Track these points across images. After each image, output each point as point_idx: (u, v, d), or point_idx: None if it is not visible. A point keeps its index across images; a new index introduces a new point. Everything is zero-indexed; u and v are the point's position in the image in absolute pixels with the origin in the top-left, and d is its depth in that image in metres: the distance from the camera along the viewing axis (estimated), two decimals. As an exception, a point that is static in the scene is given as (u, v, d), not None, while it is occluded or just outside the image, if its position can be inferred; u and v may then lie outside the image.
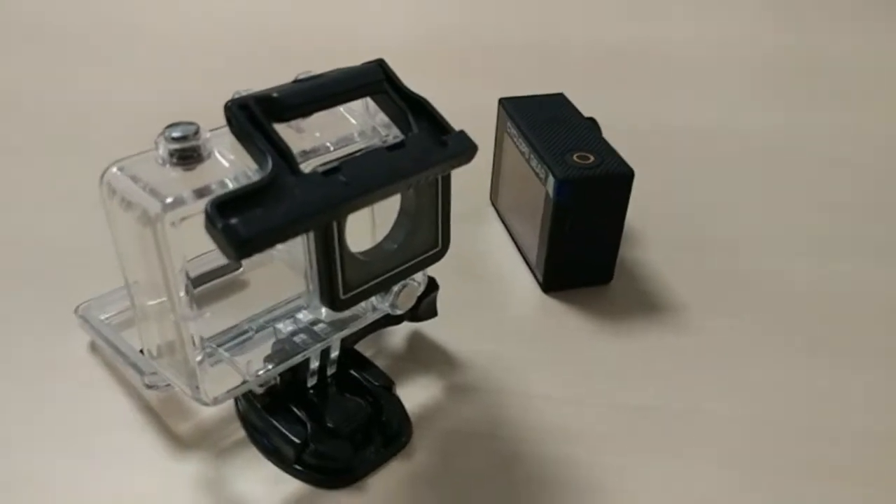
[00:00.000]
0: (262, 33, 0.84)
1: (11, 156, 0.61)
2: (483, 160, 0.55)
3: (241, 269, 0.46)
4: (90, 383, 0.41)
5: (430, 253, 0.36)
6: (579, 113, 0.50)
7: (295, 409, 0.37)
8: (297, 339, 0.36)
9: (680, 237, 0.53)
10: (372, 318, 0.38)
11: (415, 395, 0.40)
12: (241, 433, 0.38)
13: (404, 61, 0.75)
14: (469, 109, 0.60)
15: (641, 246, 0.52)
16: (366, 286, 0.34)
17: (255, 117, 0.29)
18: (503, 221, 0.53)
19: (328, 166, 0.29)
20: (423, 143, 0.31)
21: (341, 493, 0.36)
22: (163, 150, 0.30)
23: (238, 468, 0.37)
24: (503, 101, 0.51)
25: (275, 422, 0.36)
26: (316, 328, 0.37)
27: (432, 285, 0.41)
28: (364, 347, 0.43)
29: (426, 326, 0.44)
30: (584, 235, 0.45)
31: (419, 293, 0.38)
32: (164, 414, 0.39)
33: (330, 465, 0.36)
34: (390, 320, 0.41)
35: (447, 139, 0.32)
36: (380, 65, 0.32)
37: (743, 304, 0.48)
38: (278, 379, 0.37)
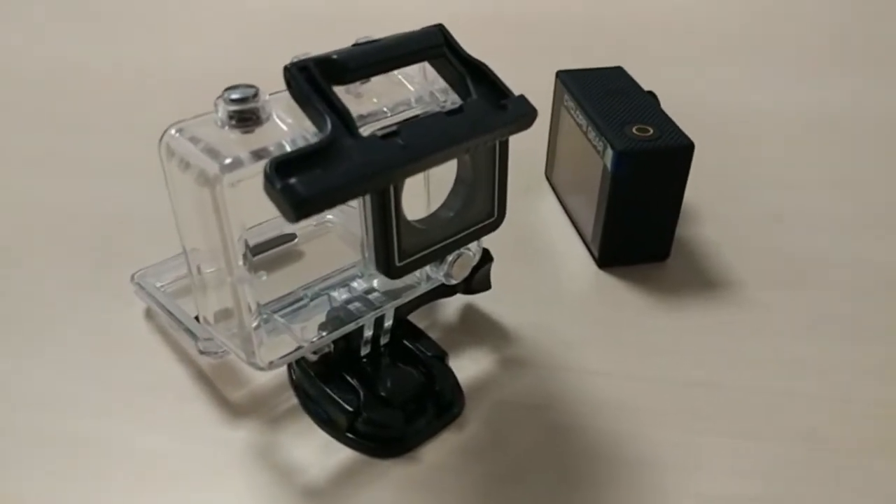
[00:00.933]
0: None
1: (71, 125, 0.62)
2: (538, 134, 0.55)
3: (297, 240, 0.46)
4: (145, 349, 0.41)
5: (486, 222, 0.35)
6: (638, 86, 0.48)
7: (348, 378, 0.37)
8: (351, 307, 0.36)
9: (737, 214, 0.52)
10: (426, 287, 0.37)
11: (468, 367, 0.40)
12: (294, 401, 0.38)
13: (459, 32, 0.74)
14: (525, 83, 0.59)
15: (698, 223, 0.51)
16: (421, 254, 0.33)
17: (314, 79, 0.29)
18: (558, 196, 0.52)
19: (387, 130, 0.29)
20: (483, 108, 0.31)
21: (393, 462, 0.36)
22: (222, 112, 0.30)
23: (290, 436, 0.37)
24: (560, 74, 0.50)
25: (328, 390, 0.36)
26: (370, 297, 0.37)
27: (486, 257, 0.41)
28: (418, 319, 0.42)
29: (480, 299, 0.44)
30: (641, 210, 0.44)
31: (474, 264, 0.37)
32: (217, 381, 0.39)
33: (382, 433, 0.36)
34: (444, 292, 0.41)
35: (507, 103, 0.31)
36: (440, 29, 0.32)
37: (801, 281, 0.46)
38: (332, 347, 0.36)
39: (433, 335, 0.41)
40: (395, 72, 0.34)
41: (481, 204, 0.35)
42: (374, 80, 0.34)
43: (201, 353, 0.37)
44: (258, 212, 0.40)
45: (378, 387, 0.36)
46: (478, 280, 0.41)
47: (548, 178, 0.54)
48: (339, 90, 0.32)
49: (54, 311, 0.43)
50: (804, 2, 0.87)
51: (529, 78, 0.56)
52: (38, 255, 0.48)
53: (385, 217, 0.31)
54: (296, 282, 0.38)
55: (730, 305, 0.44)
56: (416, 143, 0.29)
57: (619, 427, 0.37)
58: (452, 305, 0.44)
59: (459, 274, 0.36)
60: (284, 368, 0.39)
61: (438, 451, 0.36)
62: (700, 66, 0.73)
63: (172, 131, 0.30)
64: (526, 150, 0.56)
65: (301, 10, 0.83)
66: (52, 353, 0.41)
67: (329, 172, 0.27)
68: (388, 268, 0.32)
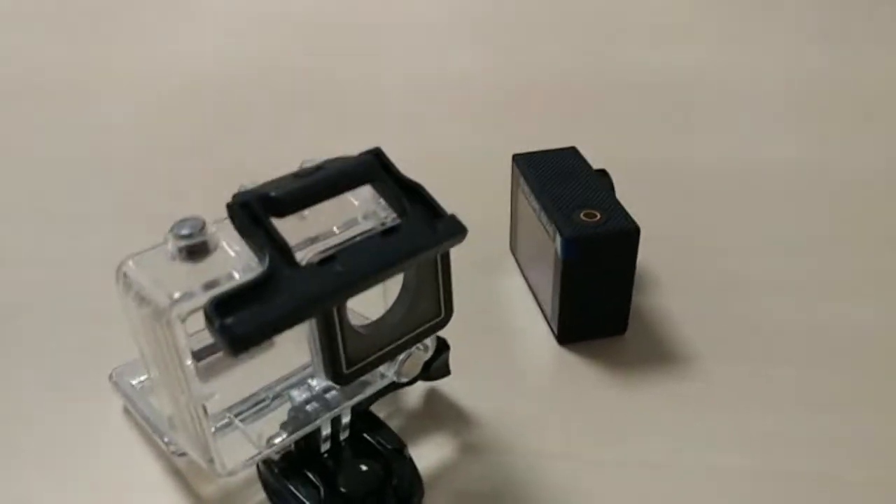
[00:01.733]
0: (274, 73, 0.87)
1: (45, 221, 0.65)
2: (503, 209, 0.57)
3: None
4: (123, 446, 0.43)
5: (433, 322, 0.37)
6: (589, 166, 0.51)
7: (309, 474, 0.39)
8: (308, 407, 0.38)
9: (698, 282, 0.54)
10: (381, 384, 0.39)
11: (428, 455, 0.42)
12: (263, 496, 0.40)
13: (425, 105, 0.76)
14: (495, 156, 0.61)
15: (657, 292, 0.53)
16: (368, 359, 0.35)
17: (255, 215, 0.31)
18: (521, 270, 0.54)
19: (324, 254, 0.31)
20: (417, 228, 0.33)
21: (355, 556, 0.37)
22: (171, 246, 0.32)
23: (258, 531, 0.39)
24: (516, 158, 0.52)
25: (291, 486, 0.38)
26: (328, 396, 0.39)
27: (443, 346, 0.43)
28: (379, 407, 0.44)
29: (441, 383, 0.46)
30: (594, 290, 0.46)
31: (427, 358, 0.39)
32: (190, 477, 0.41)
33: (345, 529, 0.38)
34: (403, 383, 0.43)
35: (438, 223, 0.33)
36: (376, 155, 0.34)
37: (760, 352, 0.48)
38: (293, 446, 0.38)
39: (395, 422, 0.43)
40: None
41: (427, 306, 0.37)
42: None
43: (171, 452, 0.39)
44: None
45: (339, 482, 0.38)
46: (436, 368, 0.43)
47: (512, 252, 0.56)
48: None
49: (35, 411, 0.45)
50: (761, 57, 0.89)
51: (502, 149, 0.58)
52: (22, 347, 0.50)
53: (329, 332, 0.33)
54: (257, 381, 0.40)
55: (688, 378, 0.46)
56: (352, 268, 0.31)
57: (576, 511, 0.39)
58: (415, 391, 0.46)
59: (411, 371, 0.38)
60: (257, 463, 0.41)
61: (398, 543, 0.38)
62: (659, 124, 0.75)
63: (130, 263, 0.33)
64: (494, 222, 0.58)
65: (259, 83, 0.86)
66: (33, 456, 0.43)
67: (266, 307, 0.29)
68: (337, 375, 0.34)
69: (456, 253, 0.55)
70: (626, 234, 0.44)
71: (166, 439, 0.39)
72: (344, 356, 0.34)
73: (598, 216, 0.45)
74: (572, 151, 0.52)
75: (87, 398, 0.46)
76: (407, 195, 0.34)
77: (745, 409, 0.44)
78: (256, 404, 0.39)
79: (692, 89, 0.81)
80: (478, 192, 0.63)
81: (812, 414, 0.44)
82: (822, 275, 0.54)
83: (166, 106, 0.81)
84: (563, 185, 0.48)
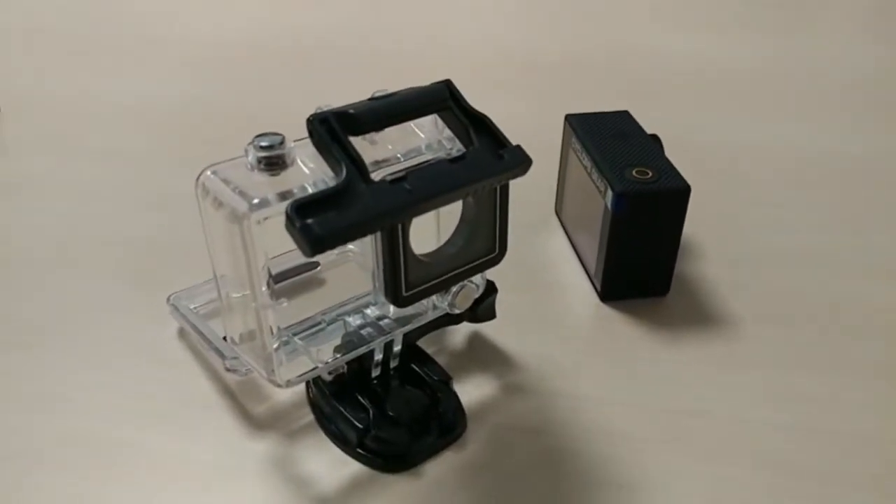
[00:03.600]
0: (342, 41, 0.88)
1: (118, 159, 0.67)
2: (550, 172, 0.58)
3: (319, 268, 0.50)
4: (177, 365, 0.45)
5: (488, 258, 0.39)
6: (642, 130, 0.52)
7: (360, 398, 0.40)
8: (364, 332, 0.40)
9: (739, 253, 0.54)
10: (433, 315, 0.41)
11: (471, 391, 0.43)
12: (311, 418, 0.42)
13: (480, 76, 0.77)
14: (539, 125, 0.63)
15: (700, 260, 0.53)
16: (426, 285, 0.36)
17: (333, 131, 0.32)
18: (566, 232, 0.55)
19: (396, 175, 0.33)
20: (482, 156, 0.34)
21: (398, 477, 0.39)
22: (251, 156, 0.33)
23: (305, 450, 0.40)
24: (569, 118, 0.53)
25: (341, 408, 0.40)
26: (381, 323, 0.40)
27: (491, 288, 0.44)
28: (426, 344, 0.45)
29: (486, 328, 0.47)
30: (640, 248, 0.47)
31: (477, 295, 0.40)
32: (241, 396, 0.43)
33: (389, 450, 0.39)
34: (451, 319, 0.44)
35: (504, 153, 0.34)
36: (446, 85, 0.35)
37: (799, 320, 0.49)
38: (345, 368, 0.40)
39: (440, 360, 0.45)
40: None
41: (483, 241, 0.38)
42: (389, 128, 0.37)
43: (227, 370, 0.41)
44: (284, 243, 0.44)
45: (387, 407, 0.40)
46: (483, 310, 0.44)
47: (557, 215, 0.57)
48: (356, 138, 0.36)
49: (97, 329, 0.47)
50: (813, 47, 0.89)
51: (545, 118, 0.60)
52: (82, 277, 0.52)
53: (394, 253, 0.34)
54: (316, 307, 0.41)
55: (725, 339, 0.47)
56: (420, 187, 0.32)
57: (609, 451, 0.40)
58: (460, 333, 0.47)
59: (463, 304, 0.39)
60: (303, 387, 0.42)
61: (440, 468, 0.39)
62: (709, 109, 0.76)
63: (208, 172, 0.34)
64: (537, 186, 0.60)
65: (327, 55, 0.88)
66: (93, 366, 0.45)
67: (342, 214, 0.30)
68: (396, 297, 0.36)
69: (516, 216, 0.57)
70: (677, 193, 0.45)
71: (225, 356, 0.41)
72: (405, 279, 0.35)
73: (650, 174, 0.46)
74: (625, 114, 0.53)
75: (143, 321, 0.48)
76: (474, 125, 0.35)
77: (780, 370, 0.45)
78: (313, 327, 0.40)
79: (745, 75, 0.81)
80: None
81: (845, 379, 0.44)
82: (866, 254, 0.55)
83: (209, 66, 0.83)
84: (615, 145, 0.49)
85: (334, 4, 1.00)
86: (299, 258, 0.49)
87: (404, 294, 0.36)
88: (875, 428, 0.41)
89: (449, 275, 0.37)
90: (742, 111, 0.75)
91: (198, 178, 0.34)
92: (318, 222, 0.29)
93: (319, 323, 0.40)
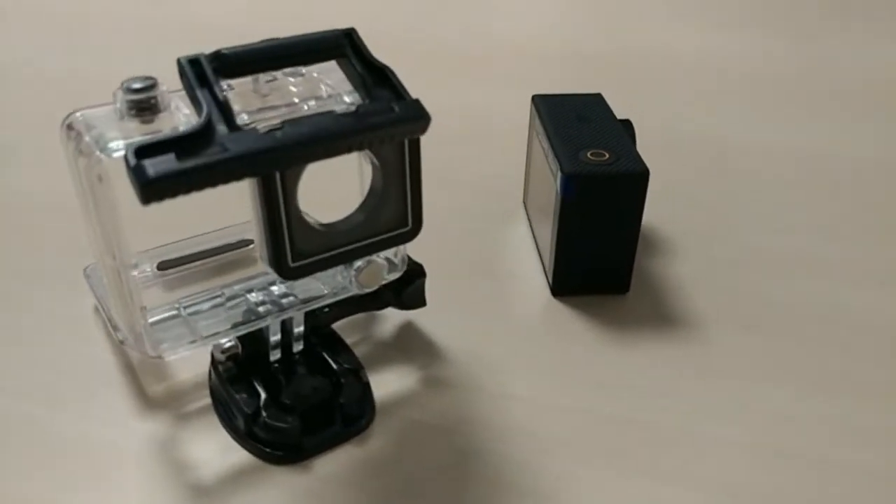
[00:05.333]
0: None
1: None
2: (520, 162, 0.54)
3: (253, 245, 0.47)
4: (87, 340, 0.42)
5: (398, 232, 0.35)
6: (612, 114, 0.47)
7: (255, 382, 0.36)
8: (261, 308, 0.36)
9: (718, 253, 0.49)
10: (338, 295, 0.37)
11: (390, 382, 0.39)
12: (209, 401, 0.38)
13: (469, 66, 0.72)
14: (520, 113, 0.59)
15: (673, 258, 0.48)
16: (319, 257, 0.33)
17: (202, 72, 0.29)
18: (530, 223, 0.51)
19: (272, 125, 0.29)
20: (375, 109, 0.30)
21: (288, 469, 0.35)
22: (120, 102, 0.31)
23: (195, 433, 0.36)
24: (535, 98, 0.49)
25: (230, 390, 0.36)
26: (283, 301, 0.37)
27: (418, 272, 0.40)
28: (352, 331, 0.42)
29: (420, 318, 0.43)
30: (594, 238, 0.43)
31: (386, 274, 0.36)
32: (142, 373, 0.40)
33: (278, 439, 0.35)
34: (372, 304, 0.40)
35: (397, 106, 0.31)
36: (344, 33, 0.32)
37: (768, 328, 0.43)
38: (240, 348, 0.36)
39: (363, 348, 0.41)
40: (315, 73, 0.34)
41: (393, 212, 0.34)
42: (293, 80, 0.34)
43: (120, 342, 0.38)
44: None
45: (283, 393, 0.36)
46: (409, 295, 0.40)
47: (524, 205, 0.53)
48: (248, 89, 0.33)
49: (10, 299, 0.45)
50: (815, 44, 0.83)
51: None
52: (6, 244, 0.50)
53: (273, 213, 0.31)
54: (225, 282, 0.38)
55: (685, 344, 0.42)
56: (292, 135, 0.29)
57: (525, 457, 0.35)
58: (390, 321, 0.43)
59: (369, 283, 0.35)
60: (207, 367, 0.39)
61: (336, 463, 0.35)
62: (703, 102, 0.70)
63: (77, 115, 0.31)
64: (508, 175, 0.56)
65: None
66: (7, 341, 0.42)
67: (190, 158, 0.27)
68: (280, 267, 0.32)
69: (469, 202, 0.53)
70: (633, 177, 0.41)
71: (118, 328, 0.38)
72: (290, 247, 0.32)
73: (607, 156, 0.42)
74: (596, 97, 0.49)
75: (63, 294, 0.45)
76: (373, 77, 0.32)
77: (742, 382, 0.39)
78: (212, 299, 0.37)
79: (754, 74, 0.76)
80: (501, 146, 0.60)
81: (810, 395, 0.39)
82: (841, 259, 0.49)
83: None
84: (578, 127, 0.45)
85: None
86: (235, 235, 0.46)
87: (291, 264, 0.32)
88: (844, 454, 0.36)
89: (349, 247, 0.34)
90: (744, 108, 0.69)
91: (63, 121, 0.31)
92: (154, 163, 0.26)
93: (218, 296, 0.37)
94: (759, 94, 0.72)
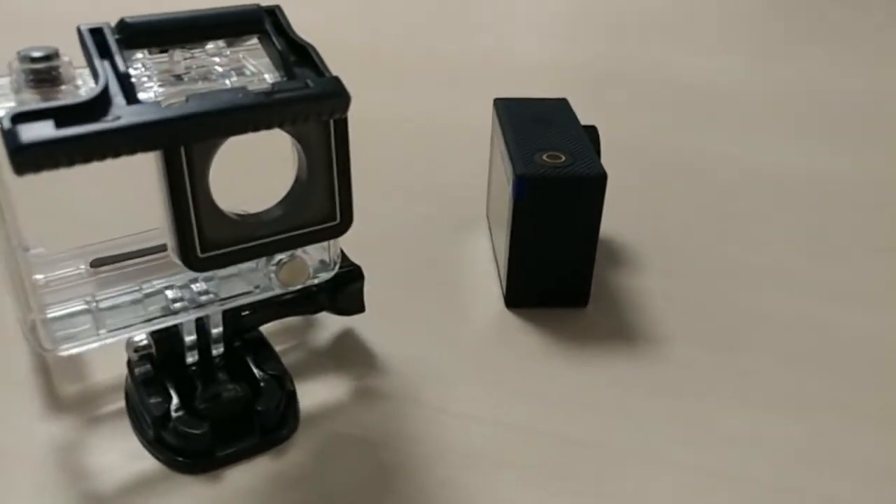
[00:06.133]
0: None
1: None
2: (485, 171, 0.52)
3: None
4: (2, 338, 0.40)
5: (325, 226, 0.32)
6: (575, 118, 0.45)
7: (169, 386, 0.34)
8: (176, 305, 0.34)
9: (688, 266, 0.46)
10: (261, 294, 0.34)
11: (319, 392, 0.36)
12: (123, 404, 0.36)
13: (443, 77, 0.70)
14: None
15: (640, 271, 0.46)
16: (233, 248, 0.30)
17: (103, 41, 0.27)
18: (490, 232, 0.48)
19: (176, 99, 0.27)
20: (290, 87, 0.28)
21: (197, 479, 0.32)
22: (17, 71, 0.28)
23: (103, 438, 0.34)
24: (497, 102, 0.46)
25: (144, 393, 0.34)
26: (201, 298, 0.34)
27: (354, 274, 0.37)
28: (286, 336, 0.39)
29: (361, 325, 0.40)
30: (550, 245, 0.40)
31: (316, 274, 0.34)
32: (56, 374, 0.37)
33: (188, 447, 0.32)
34: (304, 307, 0.38)
35: (311, 82, 0.28)
36: (269, 10, 0.30)
37: (736, 344, 0.40)
38: (154, 347, 0.34)
39: (296, 355, 0.38)
40: (242, 53, 0.32)
41: (318, 204, 0.32)
42: (218, 59, 0.32)
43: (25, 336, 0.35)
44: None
45: (197, 398, 0.33)
46: (345, 299, 0.38)
47: (487, 215, 0.50)
48: (164, 63, 0.31)
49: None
50: (795, 63, 0.81)
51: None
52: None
53: (178, 196, 0.28)
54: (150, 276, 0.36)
55: (643, 362, 0.39)
56: (192, 108, 0.26)
57: (460, 477, 0.32)
58: (329, 328, 0.40)
59: (290, 280, 0.33)
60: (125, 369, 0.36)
61: (249, 474, 0.32)
62: (682, 116, 0.68)
63: (-27, 89, 0.29)
64: (473, 185, 0.53)
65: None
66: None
67: (74, 126, 0.25)
68: (187, 257, 0.29)
69: (432, 210, 0.51)
70: (589, 180, 0.38)
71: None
72: (199, 236, 0.29)
73: (563, 158, 0.39)
74: (561, 102, 0.46)
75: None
76: (296, 56, 0.29)
77: (702, 403, 0.36)
78: (129, 294, 0.34)
79: (718, 89, 0.74)
80: (470, 155, 0.58)
81: (775, 417, 0.36)
82: (815, 277, 0.46)
83: None
84: (535, 130, 0.43)
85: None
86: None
87: (199, 255, 0.30)
88: (807, 480, 0.33)
89: (267, 240, 0.31)
90: (725, 124, 0.67)
91: (-43, 94, 0.29)
92: (29, 129, 0.24)
93: (135, 291, 0.35)
94: (743, 111, 0.70)
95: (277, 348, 0.38)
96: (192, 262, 0.30)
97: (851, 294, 0.45)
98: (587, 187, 0.38)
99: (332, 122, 0.31)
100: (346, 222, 0.33)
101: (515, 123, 0.43)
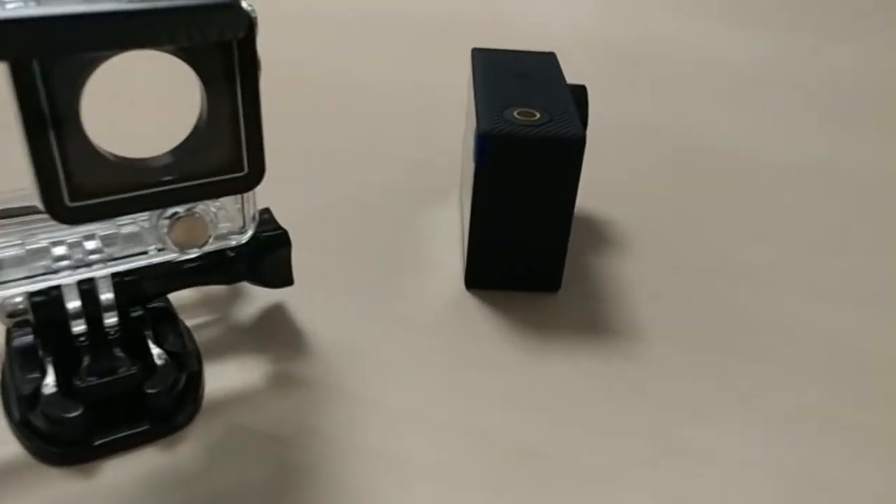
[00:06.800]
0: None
1: None
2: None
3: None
4: None
5: (229, 176, 0.27)
6: (561, 74, 0.39)
7: (48, 360, 0.29)
8: (60, 263, 0.28)
9: (680, 256, 0.40)
10: (157, 257, 0.29)
11: (229, 376, 0.31)
12: (2, 377, 0.31)
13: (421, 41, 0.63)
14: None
15: (619, 255, 0.40)
16: (111, 198, 0.25)
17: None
18: (461, 205, 0.43)
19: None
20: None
21: (64, 471, 0.27)
22: None
23: (-32, 416, 0.29)
24: (475, 52, 0.40)
25: (17, 366, 0.28)
26: (89, 258, 0.29)
27: (278, 240, 0.32)
28: (206, 310, 0.34)
29: (293, 301, 0.35)
30: (518, 218, 0.34)
31: (211, 231, 0.28)
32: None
33: (59, 433, 0.27)
34: (217, 276, 0.32)
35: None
36: None
37: (721, 345, 0.34)
38: (31, 313, 0.29)
39: (213, 331, 0.33)
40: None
41: (221, 150, 0.26)
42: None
43: None
44: None
45: (74, 376, 0.28)
46: (268, 269, 0.32)
47: (461, 187, 0.45)
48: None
49: None
50: (823, 54, 0.73)
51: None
52: None
53: (35, 127, 0.23)
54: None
55: (613, 360, 0.33)
56: (37, 14, 0.21)
57: (372, 485, 0.27)
58: (257, 301, 0.35)
59: (186, 240, 0.27)
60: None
61: (131, 468, 0.27)
62: (713, 105, 0.61)
63: None
64: (447, 153, 0.48)
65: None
66: None
67: None
68: (53, 206, 0.24)
69: (399, 178, 0.45)
70: (563, 143, 0.32)
71: None
72: (67, 182, 0.24)
73: (538, 116, 0.33)
74: (548, 57, 0.40)
75: None
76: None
77: (673, 411, 0.31)
78: (11, 249, 0.29)
79: (733, 73, 0.67)
80: (450, 124, 0.52)
81: (760, 431, 0.30)
82: (820, 275, 0.40)
83: None
84: (513, 85, 0.37)
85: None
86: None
87: (68, 203, 0.24)
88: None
89: (155, 189, 0.26)
90: (738, 110, 0.60)
91: None
92: None
93: (18, 245, 0.29)
94: (758, 98, 0.63)
95: (192, 321, 0.33)
96: (59, 211, 0.24)
97: (861, 295, 0.39)
98: (562, 150, 0.32)
99: (235, 48, 0.25)
100: (255, 173, 0.27)
101: (490, 75, 0.37)
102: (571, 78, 0.52)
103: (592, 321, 0.35)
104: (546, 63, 0.40)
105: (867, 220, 0.45)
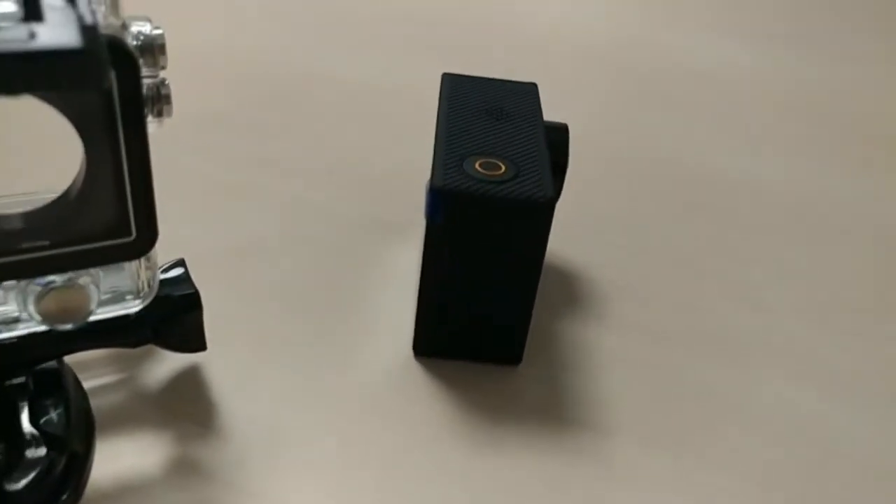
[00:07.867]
0: None
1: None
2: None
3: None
4: None
5: (113, 242, 0.22)
6: (539, 112, 0.34)
7: None
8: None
9: (657, 318, 0.35)
10: (23, 328, 0.24)
11: (124, 459, 0.27)
12: None
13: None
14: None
15: (594, 319, 0.35)
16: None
17: None
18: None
19: None
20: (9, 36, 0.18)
21: None
22: None
23: None
24: (445, 78, 0.36)
25: None
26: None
27: (188, 303, 0.27)
28: (113, 368, 0.30)
29: (211, 363, 0.30)
30: (475, 283, 0.30)
31: (92, 303, 0.24)
32: None
33: None
34: (116, 339, 0.28)
35: (53, 31, 0.18)
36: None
37: (699, 448, 0.30)
38: None
39: (113, 396, 0.29)
40: None
41: (102, 214, 0.22)
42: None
43: None
44: None
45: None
46: (177, 334, 0.28)
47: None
48: None
49: None
50: (819, 79, 0.68)
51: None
52: None
53: None
54: None
55: (575, 453, 0.29)
56: None
57: None
58: (169, 363, 0.30)
59: (56, 314, 0.23)
60: None
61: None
62: (718, 131, 0.56)
63: None
64: (418, 178, 0.43)
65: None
66: None
67: None
68: None
69: (356, 211, 0.41)
70: (527, 207, 0.28)
71: None
72: None
73: (504, 169, 0.29)
74: (528, 88, 0.35)
75: None
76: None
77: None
78: None
79: (731, 93, 0.61)
80: (423, 141, 0.47)
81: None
82: (828, 355, 0.35)
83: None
84: (483, 124, 0.32)
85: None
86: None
87: None
88: None
89: (20, 257, 0.21)
90: (733, 131, 0.55)
91: None
92: None
93: None
94: (751, 112, 0.58)
95: (93, 383, 0.29)
96: None
97: (855, 394, 0.34)
98: (525, 214, 0.28)
99: (116, 94, 0.21)
100: (145, 239, 0.23)
101: (455, 111, 0.33)
102: (553, 87, 0.47)
103: (556, 403, 0.31)
104: (524, 96, 0.35)
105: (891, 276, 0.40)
